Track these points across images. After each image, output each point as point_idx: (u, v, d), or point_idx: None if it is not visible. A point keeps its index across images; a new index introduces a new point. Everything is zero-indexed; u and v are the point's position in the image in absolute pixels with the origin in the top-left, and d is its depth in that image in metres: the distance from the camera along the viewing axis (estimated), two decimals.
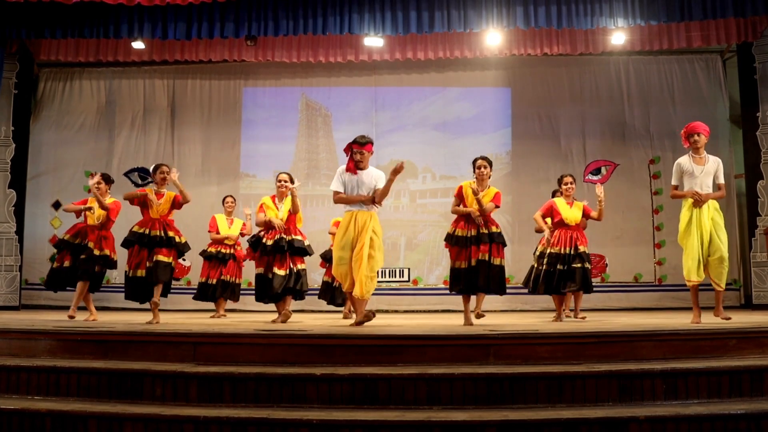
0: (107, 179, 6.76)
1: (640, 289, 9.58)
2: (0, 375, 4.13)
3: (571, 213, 6.64)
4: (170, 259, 6.11)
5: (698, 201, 5.43)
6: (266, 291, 6.28)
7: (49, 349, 4.43)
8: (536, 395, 3.75)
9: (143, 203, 6.21)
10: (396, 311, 9.27)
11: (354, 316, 5.68)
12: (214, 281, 7.77)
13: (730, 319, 5.42)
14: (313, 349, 4.19)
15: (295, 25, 8.01)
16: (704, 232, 5.41)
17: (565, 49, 9.21)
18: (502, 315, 7.76)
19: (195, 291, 8.03)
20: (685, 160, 5.60)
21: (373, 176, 5.50)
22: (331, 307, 8.13)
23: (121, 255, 6.49)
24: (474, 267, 5.57)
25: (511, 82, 10.11)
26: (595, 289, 6.84)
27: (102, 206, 6.51)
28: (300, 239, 6.40)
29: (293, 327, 5.19)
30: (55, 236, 9.58)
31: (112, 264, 6.69)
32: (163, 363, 4.16)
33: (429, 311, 9.20)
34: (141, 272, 6.03)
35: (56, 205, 9.93)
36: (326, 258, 7.54)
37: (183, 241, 6.26)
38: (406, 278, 9.75)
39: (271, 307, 6.76)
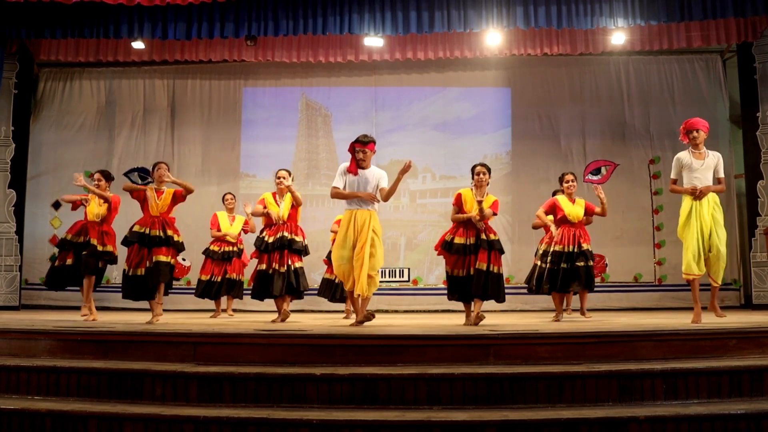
0: (107, 176, 6.77)
1: (640, 289, 9.58)
2: (0, 375, 4.13)
3: (574, 210, 6.63)
4: (170, 259, 6.11)
5: (698, 195, 5.42)
6: (267, 288, 6.28)
7: (49, 349, 4.43)
8: (536, 395, 3.75)
9: (142, 199, 6.21)
10: (396, 311, 9.27)
11: (354, 316, 5.68)
12: (219, 279, 7.74)
13: (724, 316, 5.45)
14: (313, 349, 4.19)
15: (295, 25, 8.01)
16: (704, 225, 5.40)
17: (565, 49, 9.20)
18: (502, 315, 7.74)
19: (195, 291, 7.93)
20: (684, 155, 5.58)
21: (375, 175, 5.54)
22: (331, 307, 8.13)
23: (120, 254, 6.49)
24: (473, 276, 5.54)
25: (511, 82, 10.10)
26: (595, 288, 6.84)
27: (104, 198, 6.52)
28: (299, 240, 6.40)
29: (293, 327, 5.19)
30: (55, 236, 9.60)
31: (115, 259, 6.71)
32: (163, 363, 4.16)
33: (429, 311, 9.19)
34: (140, 271, 6.02)
35: (56, 205, 9.92)
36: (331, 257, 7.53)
37: (180, 240, 6.26)
38: (406, 278, 9.75)
39: (271, 307, 6.76)
